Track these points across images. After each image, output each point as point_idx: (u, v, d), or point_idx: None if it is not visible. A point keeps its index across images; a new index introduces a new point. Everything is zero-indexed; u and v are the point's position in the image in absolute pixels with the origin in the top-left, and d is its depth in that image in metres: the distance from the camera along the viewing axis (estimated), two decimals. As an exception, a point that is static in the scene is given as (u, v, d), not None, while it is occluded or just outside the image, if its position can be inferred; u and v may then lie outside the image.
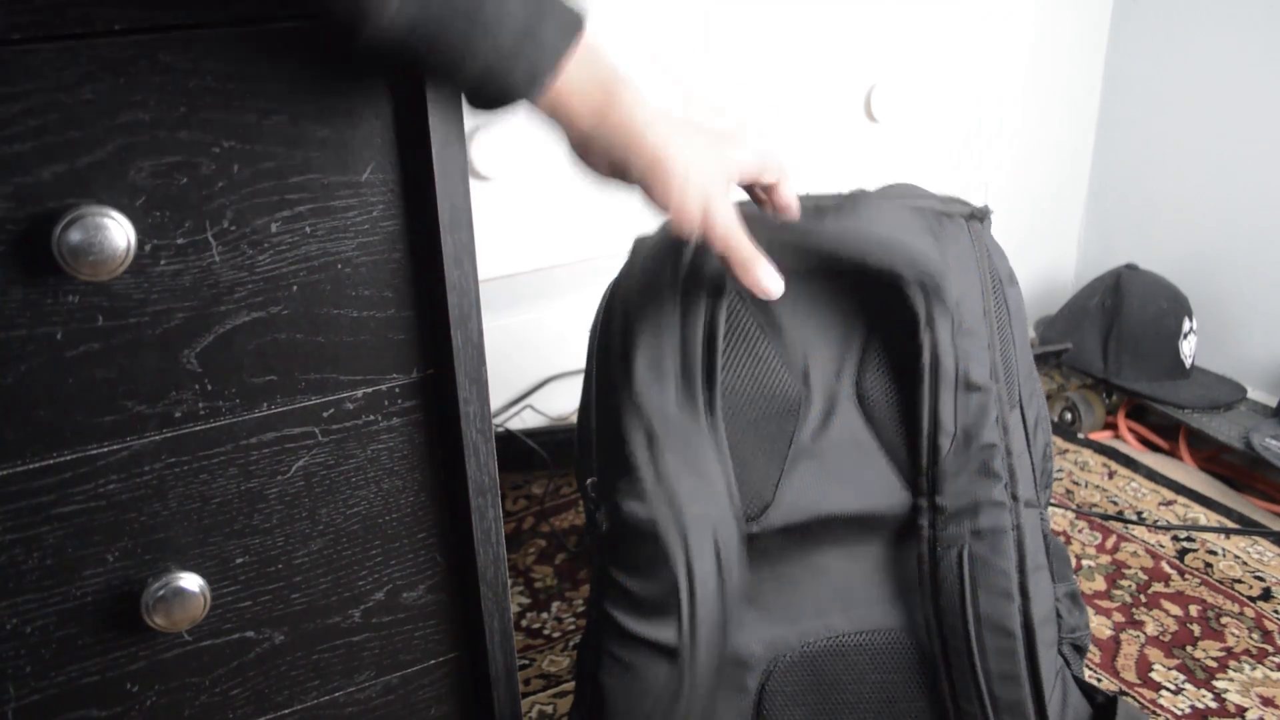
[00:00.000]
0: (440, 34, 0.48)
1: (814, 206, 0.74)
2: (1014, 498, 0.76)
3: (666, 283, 0.73)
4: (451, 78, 0.51)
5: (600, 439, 0.78)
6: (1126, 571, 1.28)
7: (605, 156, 0.57)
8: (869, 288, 0.76)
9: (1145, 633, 1.17)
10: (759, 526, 0.76)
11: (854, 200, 0.76)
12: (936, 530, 0.76)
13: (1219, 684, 1.10)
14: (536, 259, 1.40)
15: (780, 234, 0.70)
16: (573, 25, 0.53)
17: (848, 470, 0.78)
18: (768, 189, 0.67)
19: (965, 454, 0.74)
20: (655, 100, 0.57)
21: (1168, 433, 1.61)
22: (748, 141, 0.62)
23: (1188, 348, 1.63)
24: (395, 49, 0.48)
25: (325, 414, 0.59)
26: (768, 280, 0.63)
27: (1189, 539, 1.35)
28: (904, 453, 0.78)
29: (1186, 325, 1.62)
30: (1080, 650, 0.85)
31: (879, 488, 0.78)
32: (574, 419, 1.54)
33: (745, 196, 0.70)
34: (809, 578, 0.80)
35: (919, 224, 0.75)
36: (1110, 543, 1.34)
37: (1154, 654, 1.14)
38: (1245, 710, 1.06)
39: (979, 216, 0.79)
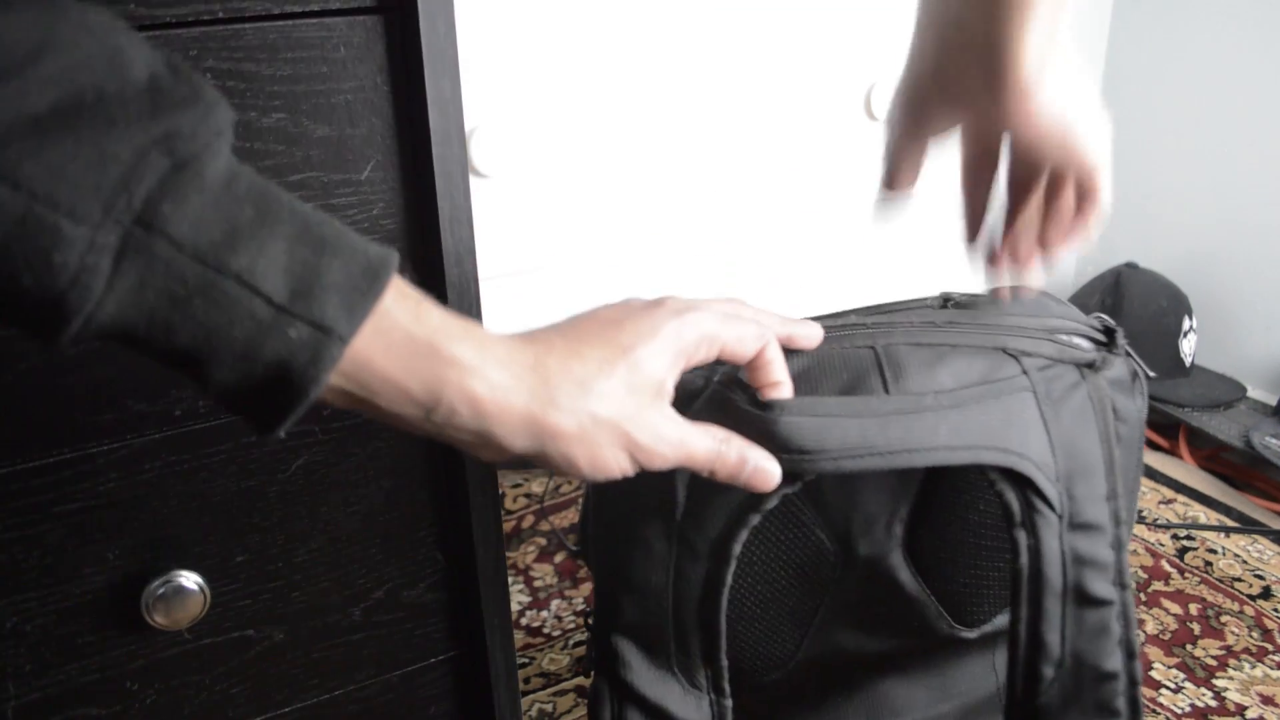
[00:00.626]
0: (170, 323, 0.34)
1: (858, 381, 0.54)
2: None
3: (657, 518, 0.56)
4: (204, 386, 0.36)
5: (596, 578, 0.64)
6: (1126, 570, 1.29)
7: (474, 445, 0.42)
8: None
9: (1145, 631, 1.17)
10: (778, 674, 0.70)
11: (922, 368, 0.54)
12: None
13: (1219, 682, 1.10)
14: (537, 257, 1.40)
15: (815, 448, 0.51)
16: (364, 283, 0.37)
17: (885, 618, 0.70)
18: (748, 367, 0.51)
19: (1076, 687, 0.57)
20: (501, 340, 0.42)
21: (1168, 431, 1.61)
22: (702, 306, 0.48)
23: (1187, 346, 1.63)
24: (124, 344, 0.36)
25: (325, 412, 0.59)
26: (756, 475, 0.48)
27: (1189, 537, 1.35)
28: (959, 602, 0.69)
29: (1186, 324, 1.62)
30: None
31: (920, 628, 0.70)
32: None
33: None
34: (833, 692, 0.74)
35: (1015, 387, 0.55)
36: (1110, 541, 1.34)
37: (1154, 652, 1.14)
38: (1245, 709, 1.06)
39: (1097, 365, 0.58)
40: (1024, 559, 0.55)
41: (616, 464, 0.44)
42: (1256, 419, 1.53)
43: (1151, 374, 0.62)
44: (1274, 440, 1.44)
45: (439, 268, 0.58)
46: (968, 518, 0.68)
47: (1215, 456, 1.56)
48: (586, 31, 1.36)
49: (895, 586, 0.69)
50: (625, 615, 0.57)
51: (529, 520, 1.41)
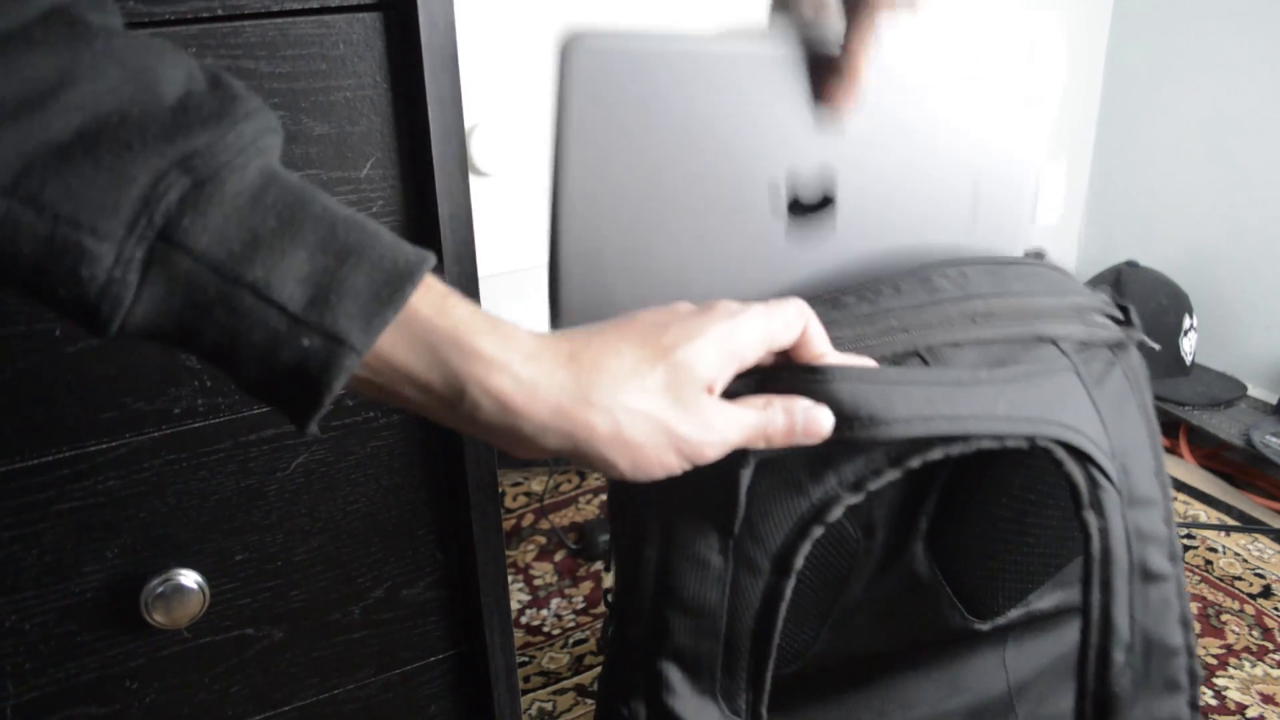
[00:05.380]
0: (198, 328, 0.37)
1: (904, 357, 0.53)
2: (1193, 706, 0.60)
3: (714, 530, 0.53)
4: (235, 383, 0.39)
5: (617, 565, 0.63)
6: (1126, 569, 1.29)
7: (506, 440, 0.41)
8: None
9: (1145, 630, 1.17)
10: (794, 666, 0.70)
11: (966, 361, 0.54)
12: None
13: (1219, 681, 1.10)
14: (536, 255, 1.40)
15: (867, 420, 0.49)
16: (386, 291, 0.37)
17: (899, 608, 0.70)
18: (793, 350, 0.48)
19: (1144, 668, 0.57)
20: (532, 336, 0.41)
21: (1168, 430, 1.61)
22: (734, 311, 0.45)
23: (1188, 345, 1.63)
24: (157, 339, 0.38)
25: (333, 408, 0.59)
26: (810, 423, 0.46)
27: (1189, 536, 1.35)
28: (973, 593, 0.70)
29: (1187, 322, 1.62)
30: None
31: (934, 622, 0.70)
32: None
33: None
34: (846, 685, 0.73)
35: (1059, 368, 0.55)
36: (1110, 540, 1.35)
37: (1154, 651, 1.14)
38: (1245, 708, 1.06)
39: (1125, 343, 0.59)
40: (1095, 543, 0.55)
41: (661, 464, 0.42)
42: (1257, 417, 1.53)
43: (1156, 346, 0.62)
44: (1274, 439, 1.44)
45: (439, 265, 0.58)
46: (987, 509, 0.67)
47: (1216, 455, 1.56)
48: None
49: (912, 576, 0.69)
50: (674, 638, 0.54)
51: (529, 519, 1.41)
